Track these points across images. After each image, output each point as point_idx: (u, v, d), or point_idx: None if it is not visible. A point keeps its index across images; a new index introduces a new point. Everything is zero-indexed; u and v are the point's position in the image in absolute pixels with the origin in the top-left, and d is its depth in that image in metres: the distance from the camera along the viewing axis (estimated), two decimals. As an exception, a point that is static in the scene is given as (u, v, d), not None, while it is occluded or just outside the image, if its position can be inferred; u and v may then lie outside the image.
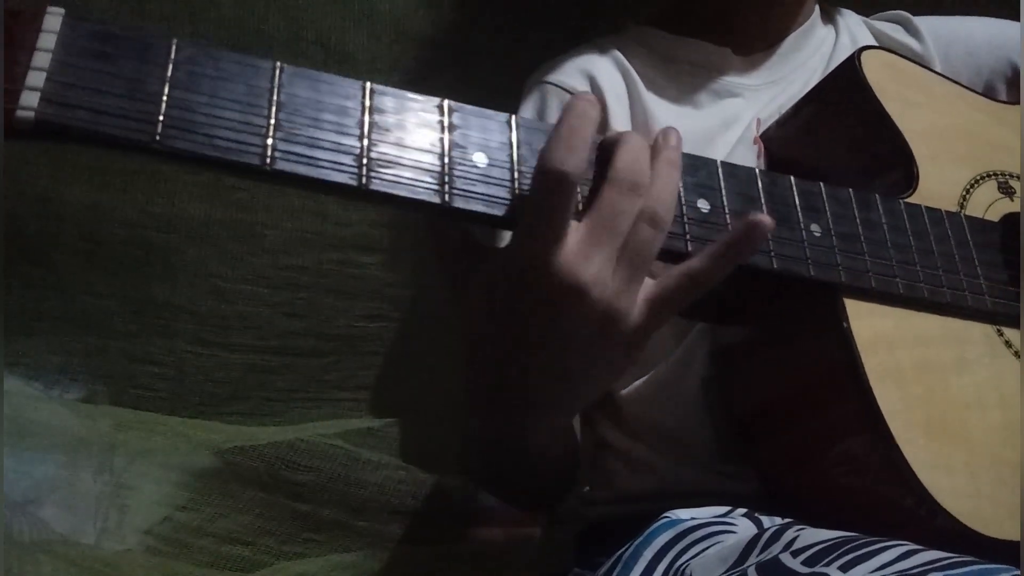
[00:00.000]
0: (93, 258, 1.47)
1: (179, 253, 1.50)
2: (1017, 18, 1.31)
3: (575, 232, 0.80)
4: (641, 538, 1.02)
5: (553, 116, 1.28)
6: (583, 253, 0.80)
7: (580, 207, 0.83)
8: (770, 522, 0.98)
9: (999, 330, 1.07)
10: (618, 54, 1.35)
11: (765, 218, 0.84)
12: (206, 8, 1.46)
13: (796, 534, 0.87)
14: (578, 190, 0.80)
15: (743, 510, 1.05)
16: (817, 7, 1.43)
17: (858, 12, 1.50)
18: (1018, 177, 1.19)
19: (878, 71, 1.16)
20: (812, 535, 0.86)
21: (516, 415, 0.97)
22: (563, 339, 0.85)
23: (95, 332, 1.48)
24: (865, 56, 1.17)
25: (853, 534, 0.85)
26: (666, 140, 0.87)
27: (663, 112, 1.30)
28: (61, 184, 1.43)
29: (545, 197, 0.79)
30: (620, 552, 1.03)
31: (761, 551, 0.88)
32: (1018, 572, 0.73)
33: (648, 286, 0.85)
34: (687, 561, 0.95)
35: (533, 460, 1.08)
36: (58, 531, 1.32)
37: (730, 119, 1.31)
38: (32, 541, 1.27)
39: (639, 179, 0.82)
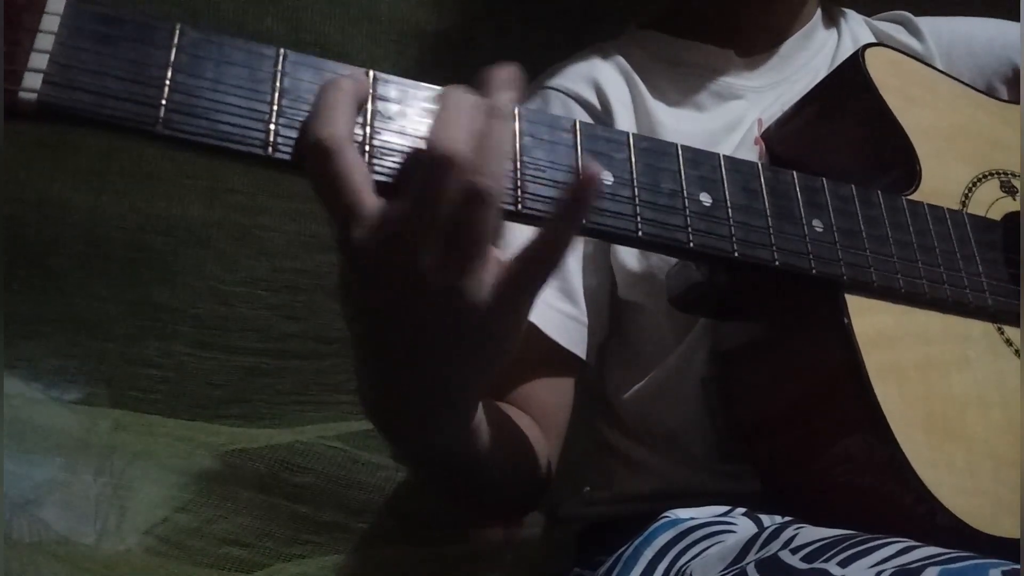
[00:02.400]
0: (92, 261, 1.47)
1: (178, 256, 1.51)
2: (1017, 18, 1.31)
3: (383, 210, 0.74)
4: (641, 538, 1.02)
5: None
6: (398, 243, 0.74)
7: None
8: (770, 521, 0.98)
9: (1000, 328, 1.07)
10: (621, 59, 1.35)
11: (596, 167, 0.80)
12: (204, 9, 1.47)
13: (795, 532, 0.87)
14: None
15: (743, 509, 1.05)
16: (819, 9, 1.43)
17: (860, 12, 1.50)
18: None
19: (882, 68, 1.16)
20: (811, 533, 0.86)
21: (404, 417, 0.89)
22: (400, 328, 0.79)
23: (94, 335, 1.48)
24: (869, 53, 1.17)
25: (852, 532, 0.84)
26: (490, 85, 0.79)
27: (667, 116, 1.30)
28: (60, 187, 1.43)
29: (313, 173, 0.74)
30: (620, 552, 1.02)
31: (760, 549, 0.87)
32: (1014, 566, 0.73)
33: (500, 268, 0.78)
34: (688, 561, 0.94)
35: (457, 463, 0.99)
36: (58, 532, 1.32)
37: (734, 121, 1.31)
38: (32, 542, 1.27)
39: (454, 150, 0.73)
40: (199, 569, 1.34)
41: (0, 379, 1.27)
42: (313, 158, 0.73)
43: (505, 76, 0.79)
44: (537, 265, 0.77)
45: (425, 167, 0.73)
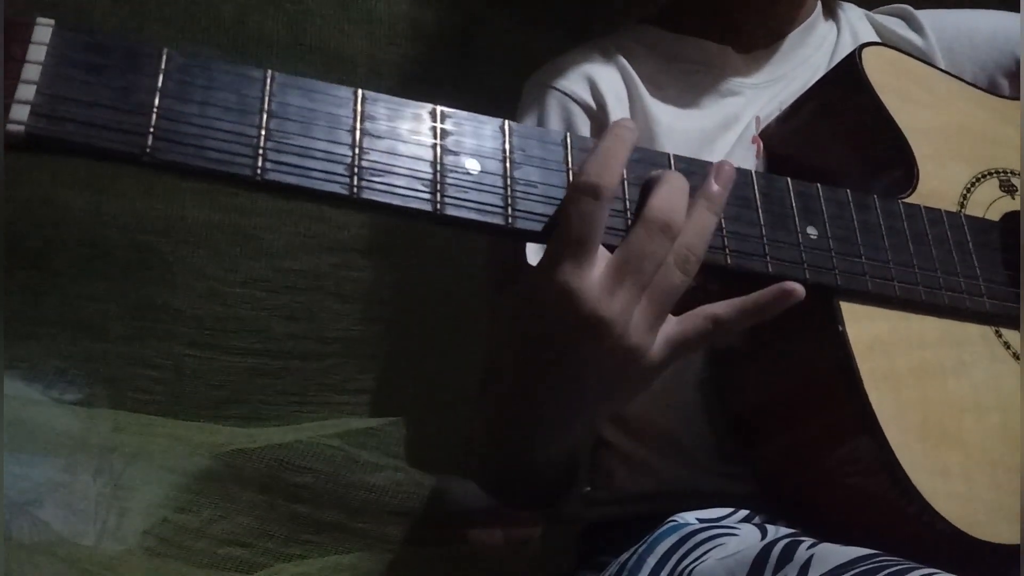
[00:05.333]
0: (91, 262, 1.47)
1: (177, 256, 1.51)
2: (1018, 10, 1.31)
3: (603, 266, 0.83)
4: (644, 545, 1.02)
5: (553, 121, 1.28)
6: (607, 287, 0.82)
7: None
8: (775, 531, 0.98)
9: (997, 331, 1.06)
10: (619, 55, 1.34)
11: (798, 287, 0.88)
12: (205, 12, 1.47)
13: (809, 554, 0.86)
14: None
15: (744, 513, 1.05)
16: (820, 2, 1.42)
17: (860, 5, 1.49)
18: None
19: (879, 68, 1.16)
20: (825, 556, 0.85)
21: (525, 432, 1.00)
22: (578, 367, 0.87)
23: (94, 335, 1.48)
24: (866, 53, 1.16)
25: (866, 552, 0.84)
26: (717, 175, 0.90)
27: (663, 113, 1.29)
28: (59, 188, 1.43)
29: (576, 212, 0.81)
30: (624, 560, 1.03)
31: (774, 572, 0.87)
32: None
33: (670, 324, 0.87)
34: (690, 564, 0.95)
35: (537, 471, 1.09)
36: (58, 532, 1.32)
37: (730, 118, 1.30)
38: (32, 542, 1.27)
39: (671, 220, 0.84)
40: (199, 569, 1.35)
41: (0, 379, 1.27)
42: (585, 198, 0.81)
43: (726, 172, 0.90)
44: (706, 334, 0.89)
45: (650, 231, 0.84)
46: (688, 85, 1.33)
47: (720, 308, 0.88)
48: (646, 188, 0.87)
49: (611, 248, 0.86)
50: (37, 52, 0.67)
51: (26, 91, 0.66)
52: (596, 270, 0.82)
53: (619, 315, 0.82)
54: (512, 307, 0.89)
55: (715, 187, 0.89)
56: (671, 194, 0.86)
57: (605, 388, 0.90)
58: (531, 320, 0.88)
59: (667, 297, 0.85)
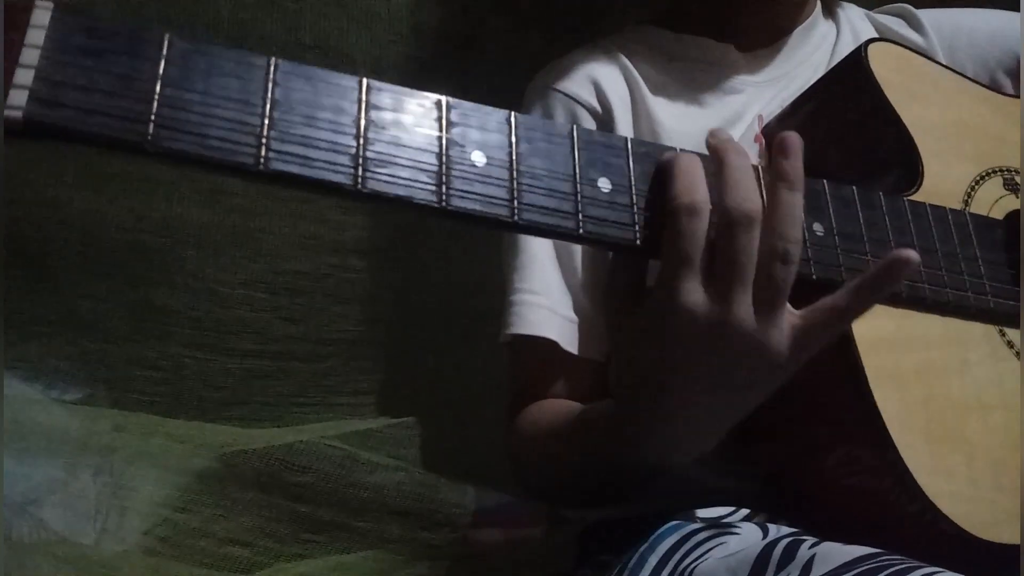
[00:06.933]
0: (91, 262, 1.47)
1: (177, 257, 1.51)
2: (1018, 9, 1.31)
3: (709, 276, 0.83)
4: (646, 544, 1.02)
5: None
6: (719, 294, 0.82)
7: None
8: (776, 530, 0.98)
9: (1001, 331, 1.06)
10: (621, 56, 1.34)
11: (912, 253, 0.85)
12: (203, 10, 1.47)
13: (811, 553, 0.86)
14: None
15: (745, 511, 1.05)
16: (819, 2, 1.42)
17: (860, 5, 1.49)
18: None
19: (885, 64, 1.15)
20: (827, 555, 0.85)
21: (652, 445, 0.98)
22: (712, 375, 0.87)
23: (93, 336, 1.48)
24: (872, 49, 1.16)
25: (869, 551, 0.84)
26: (781, 150, 0.88)
27: (666, 113, 1.30)
28: (59, 189, 1.43)
29: (678, 233, 0.82)
30: (626, 560, 1.03)
31: (776, 572, 0.87)
32: None
33: (793, 316, 0.86)
34: (691, 564, 0.94)
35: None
36: (58, 532, 1.32)
37: (733, 117, 1.30)
38: (32, 542, 1.27)
39: (750, 211, 0.83)
40: (199, 569, 1.34)
41: (0, 379, 1.26)
42: (685, 217, 0.82)
43: (791, 144, 0.88)
44: (830, 323, 0.87)
45: (732, 228, 0.82)
46: (690, 84, 1.33)
47: (838, 295, 0.86)
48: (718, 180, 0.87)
49: (617, 246, 0.86)
50: (36, 36, 0.66)
51: (24, 76, 0.64)
52: (703, 283, 0.83)
53: (736, 316, 0.83)
54: (640, 330, 0.88)
55: (785, 163, 0.87)
56: (741, 183, 0.84)
57: (738, 390, 0.89)
58: (663, 340, 0.87)
59: (776, 290, 0.84)
